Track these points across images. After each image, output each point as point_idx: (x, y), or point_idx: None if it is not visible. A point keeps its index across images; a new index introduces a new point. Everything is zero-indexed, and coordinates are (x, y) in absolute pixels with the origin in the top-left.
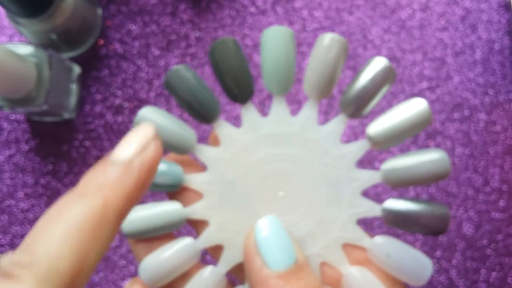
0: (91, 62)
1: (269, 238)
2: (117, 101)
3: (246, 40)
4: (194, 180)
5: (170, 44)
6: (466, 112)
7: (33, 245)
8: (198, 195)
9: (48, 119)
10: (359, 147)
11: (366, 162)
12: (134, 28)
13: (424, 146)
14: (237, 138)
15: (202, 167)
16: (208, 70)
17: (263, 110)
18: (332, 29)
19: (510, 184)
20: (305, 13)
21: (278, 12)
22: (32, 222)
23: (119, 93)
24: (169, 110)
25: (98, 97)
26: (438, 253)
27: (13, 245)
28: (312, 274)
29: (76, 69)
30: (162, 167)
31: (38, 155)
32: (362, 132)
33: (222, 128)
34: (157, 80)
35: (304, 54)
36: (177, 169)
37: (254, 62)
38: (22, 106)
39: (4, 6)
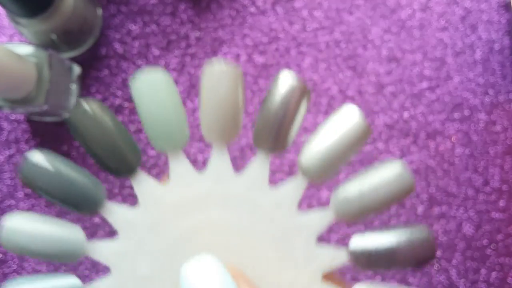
0: (91, 62)
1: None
2: (117, 101)
3: (246, 40)
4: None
5: (170, 44)
6: (466, 112)
7: None
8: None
9: (48, 119)
10: (296, 186)
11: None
12: (134, 28)
13: (424, 147)
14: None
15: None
16: None
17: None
18: (332, 29)
19: (510, 184)
20: (305, 13)
21: (278, 12)
22: None
23: (119, 93)
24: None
25: (98, 97)
26: (438, 253)
27: None
28: None
29: (76, 69)
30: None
31: None
32: None
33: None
34: None
35: (304, 54)
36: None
37: (253, 62)
38: (22, 106)
39: (4, 6)
